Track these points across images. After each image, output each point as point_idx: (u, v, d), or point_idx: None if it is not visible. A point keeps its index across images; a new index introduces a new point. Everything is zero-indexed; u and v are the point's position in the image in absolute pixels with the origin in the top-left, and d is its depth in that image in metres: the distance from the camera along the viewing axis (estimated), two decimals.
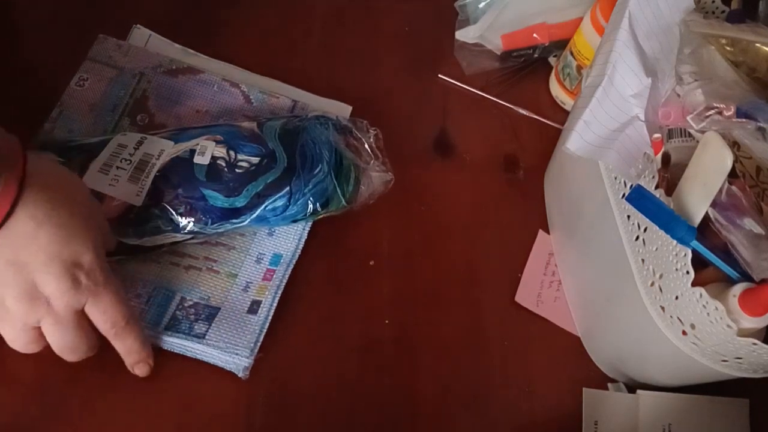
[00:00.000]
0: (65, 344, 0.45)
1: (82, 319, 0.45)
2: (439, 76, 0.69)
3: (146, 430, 0.50)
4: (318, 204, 0.54)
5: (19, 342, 0.45)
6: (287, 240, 0.57)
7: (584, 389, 0.55)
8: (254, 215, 0.52)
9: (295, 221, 0.55)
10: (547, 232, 0.63)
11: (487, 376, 0.56)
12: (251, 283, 0.55)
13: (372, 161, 0.57)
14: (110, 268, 0.45)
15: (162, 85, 0.61)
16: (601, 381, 0.56)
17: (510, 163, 0.66)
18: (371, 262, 0.59)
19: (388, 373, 0.55)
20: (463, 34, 0.70)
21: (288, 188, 0.53)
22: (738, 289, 0.41)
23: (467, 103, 0.68)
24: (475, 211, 0.63)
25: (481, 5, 0.70)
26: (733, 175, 0.41)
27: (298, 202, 0.53)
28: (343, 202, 0.55)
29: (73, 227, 0.43)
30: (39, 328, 0.44)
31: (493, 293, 0.59)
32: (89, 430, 0.49)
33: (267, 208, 0.53)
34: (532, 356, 0.57)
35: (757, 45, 0.47)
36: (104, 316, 0.45)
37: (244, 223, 0.53)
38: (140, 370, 0.49)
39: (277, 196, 0.53)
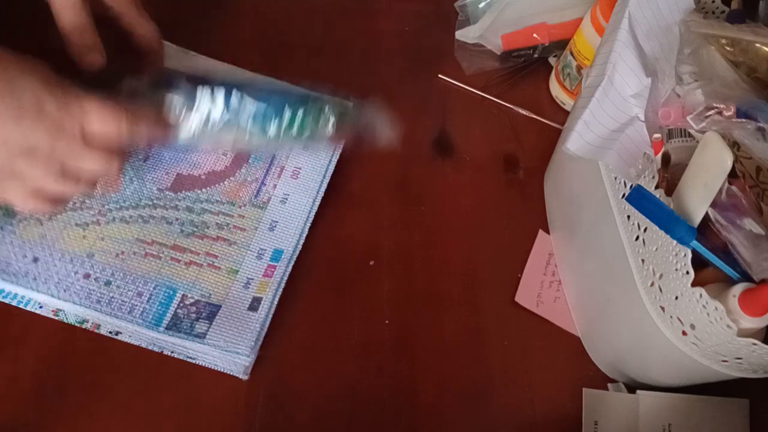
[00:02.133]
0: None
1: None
2: (439, 76, 0.69)
3: (146, 430, 0.50)
4: (300, 110, 0.53)
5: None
6: (288, 235, 0.57)
7: (584, 389, 0.55)
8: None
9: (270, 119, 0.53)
10: (547, 232, 0.63)
11: (487, 376, 0.56)
12: (252, 279, 0.55)
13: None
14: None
15: None
16: (601, 381, 0.56)
17: (510, 163, 0.66)
18: (371, 262, 0.59)
19: (387, 373, 0.55)
20: (463, 34, 0.70)
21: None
22: (738, 289, 0.41)
23: (467, 103, 0.68)
24: (475, 211, 0.63)
25: (481, 5, 0.70)
26: (733, 175, 0.41)
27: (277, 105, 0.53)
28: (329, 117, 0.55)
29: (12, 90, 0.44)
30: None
31: (493, 293, 0.59)
32: (89, 430, 0.49)
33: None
34: (532, 356, 0.57)
35: (757, 45, 0.47)
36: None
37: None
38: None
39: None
